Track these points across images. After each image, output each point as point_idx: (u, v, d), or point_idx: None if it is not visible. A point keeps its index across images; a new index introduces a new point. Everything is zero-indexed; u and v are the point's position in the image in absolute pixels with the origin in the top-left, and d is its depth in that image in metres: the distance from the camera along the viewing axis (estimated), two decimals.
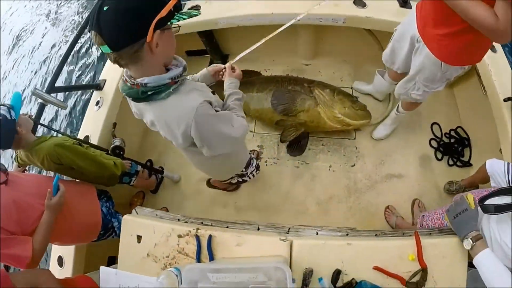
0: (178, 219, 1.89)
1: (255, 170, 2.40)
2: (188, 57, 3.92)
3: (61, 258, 2.46)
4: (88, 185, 2.48)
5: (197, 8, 1.44)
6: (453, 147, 3.26)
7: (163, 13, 1.20)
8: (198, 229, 1.71)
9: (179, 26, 1.34)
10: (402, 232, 1.76)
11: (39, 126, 2.48)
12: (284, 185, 3.20)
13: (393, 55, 2.58)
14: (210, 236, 1.66)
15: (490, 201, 1.56)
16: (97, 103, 2.96)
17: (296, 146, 3.25)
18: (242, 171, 2.23)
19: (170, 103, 1.41)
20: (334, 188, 3.16)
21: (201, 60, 3.89)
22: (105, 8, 1.15)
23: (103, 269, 1.81)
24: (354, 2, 2.92)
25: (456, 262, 1.60)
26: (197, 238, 1.68)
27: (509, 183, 1.94)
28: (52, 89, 2.61)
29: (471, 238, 1.49)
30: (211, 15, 3.09)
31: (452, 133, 3.34)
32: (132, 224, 1.85)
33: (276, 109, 3.11)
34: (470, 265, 1.56)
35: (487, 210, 1.52)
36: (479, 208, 1.63)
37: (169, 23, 1.26)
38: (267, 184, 3.22)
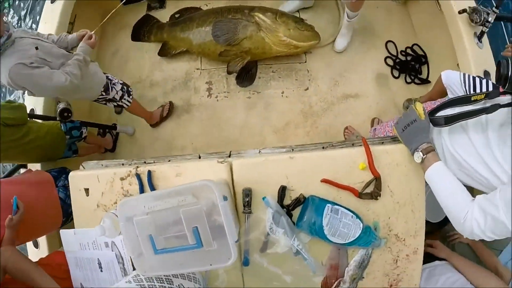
0: (122, 164, 1.81)
1: (126, 95, 2.70)
2: (124, 6, 3.66)
3: (36, 240, 2.44)
4: (41, 174, 2.42)
5: None
6: (409, 64, 3.22)
7: None
8: (138, 167, 1.64)
9: None
10: (352, 143, 1.68)
11: None
12: (239, 117, 3.15)
13: None
14: (149, 172, 1.60)
15: (441, 113, 1.45)
16: None
17: (246, 76, 3.17)
18: (102, 94, 2.53)
19: None
20: (289, 114, 3.11)
21: (139, 6, 3.65)
22: None
23: (62, 232, 1.78)
24: None
25: (412, 169, 1.54)
26: (138, 176, 1.63)
27: (466, 93, 1.86)
28: None
29: (421, 151, 1.39)
30: None
31: (408, 50, 3.29)
32: (78, 178, 1.79)
33: (218, 40, 2.98)
34: None
35: (437, 123, 1.40)
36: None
37: None
38: (222, 119, 3.16)
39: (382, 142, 1.66)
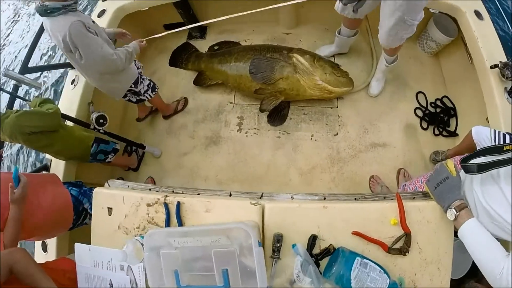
0: (150, 189, 1.82)
1: (150, 90, 2.95)
2: (166, 31, 3.80)
3: (45, 243, 2.43)
4: (50, 174, 2.48)
5: None
6: (438, 116, 3.20)
7: None
8: (166, 196, 1.64)
9: None
10: (384, 196, 1.66)
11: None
12: (266, 156, 3.12)
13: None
14: (178, 203, 1.59)
15: (474, 161, 1.45)
16: (73, 81, 2.89)
17: (277, 116, 3.17)
18: (131, 87, 2.75)
19: (58, 19, 2.16)
20: (317, 158, 3.08)
21: (180, 33, 3.72)
22: None
23: (77, 245, 1.76)
24: None
25: (442, 227, 1.52)
26: (166, 205, 1.61)
27: None
28: (25, 69, 2.55)
29: (454, 208, 1.38)
30: None
31: (438, 102, 3.28)
32: (103, 196, 1.79)
33: (254, 77, 3.01)
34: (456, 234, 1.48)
35: (469, 169, 1.40)
36: (461, 172, 1.53)
37: None
38: (249, 155, 3.14)
39: (414, 197, 1.65)
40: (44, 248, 2.43)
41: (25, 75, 2.48)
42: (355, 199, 1.65)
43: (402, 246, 1.51)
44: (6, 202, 1.84)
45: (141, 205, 1.67)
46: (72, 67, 2.95)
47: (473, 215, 1.39)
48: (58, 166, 2.63)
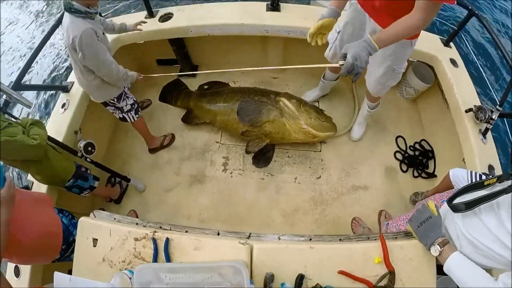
0: (137, 223, 1.80)
1: (133, 112, 3.00)
2: (158, 66, 3.91)
3: (18, 268, 2.33)
4: (44, 194, 2.39)
5: None
6: (417, 159, 3.34)
7: None
8: (155, 232, 1.64)
9: None
10: (367, 236, 1.73)
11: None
12: (249, 197, 3.16)
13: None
14: (167, 239, 1.60)
15: (458, 200, 1.54)
16: (63, 105, 2.89)
17: (262, 158, 3.24)
18: (114, 100, 2.80)
19: (77, 19, 2.29)
20: (299, 200, 3.13)
21: (171, 69, 3.86)
22: None
23: (57, 274, 1.68)
24: None
25: (424, 264, 1.59)
26: (154, 241, 1.62)
27: None
28: (18, 86, 2.54)
29: (438, 244, 1.47)
30: (183, 22, 3.13)
31: (417, 145, 3.43)
32: (88, 226, 1.76)
33: (242, 119, 3.10)
34: (439, 269, 1.55)
35: (457, 209, 1.48)
36: (441, 209, 1.62)
37: None
38: (232, 195, 3.16)
39: (396, 237, 1.70)
40: (17, 273, 2.32)
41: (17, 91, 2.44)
42: (340, 239, 1.71)
43: (387, 283, 1.55)
44: None
45: (128, 238, 1.67)
46: (65, 91, 2.97)
47: (456, 249, 1.48)
48: (39, 189, 2.56)
